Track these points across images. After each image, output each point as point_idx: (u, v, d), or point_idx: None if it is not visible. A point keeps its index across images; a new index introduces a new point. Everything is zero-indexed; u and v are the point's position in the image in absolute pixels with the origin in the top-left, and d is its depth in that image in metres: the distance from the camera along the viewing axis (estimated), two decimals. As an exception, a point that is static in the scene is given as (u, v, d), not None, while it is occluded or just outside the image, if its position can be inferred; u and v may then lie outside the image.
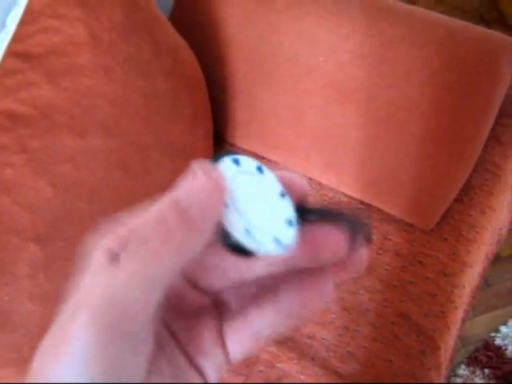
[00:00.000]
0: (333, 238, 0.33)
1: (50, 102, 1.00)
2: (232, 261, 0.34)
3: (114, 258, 0.31)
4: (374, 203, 1.23)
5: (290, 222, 0.32)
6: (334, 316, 1.17)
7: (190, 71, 1.21)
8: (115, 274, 0.30)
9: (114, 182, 1.07)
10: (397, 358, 1.13)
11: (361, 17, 1.12)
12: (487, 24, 2.10)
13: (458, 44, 1.07)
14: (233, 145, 1.36)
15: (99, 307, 0.29)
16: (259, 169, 0.33)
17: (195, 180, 0.30)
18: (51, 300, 0.98)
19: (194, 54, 1.24)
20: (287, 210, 0.32)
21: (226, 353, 0.35)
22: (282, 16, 1.17)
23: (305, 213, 0.33)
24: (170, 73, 1.16)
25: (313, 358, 1.13)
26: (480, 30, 1.10)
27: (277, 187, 0.33)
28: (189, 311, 0.36)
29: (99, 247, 0.32)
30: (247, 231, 0.31)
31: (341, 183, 1.24)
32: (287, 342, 1.15)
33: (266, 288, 0.36)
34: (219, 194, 0.31)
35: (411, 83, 1.09)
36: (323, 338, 1.15)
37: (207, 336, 0.35)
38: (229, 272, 0.36)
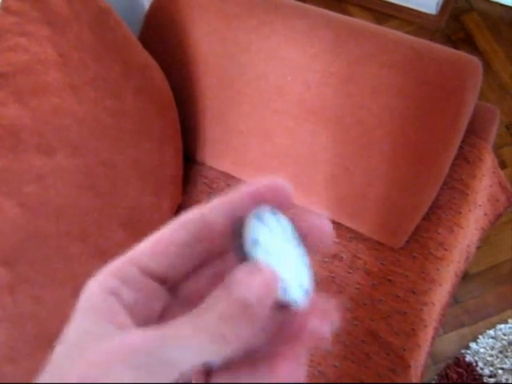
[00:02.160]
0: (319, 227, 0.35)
1: (17, 121, 0.99)
2: None
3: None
4: (344, 222, 1.23)
5: (307, 267, 0.34)
6: (304, 335, 1.16)
7: (160, 90, 1.21)
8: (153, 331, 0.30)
9: (81, 201, 1.06)
10: (368, 377, 1.13)
11: (329, 36, 1.12)
12: (454, 44, 2.13)
13: (424, 64, 1.09)
14: (202, 164, 1.36)
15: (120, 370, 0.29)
16: (274, 214, 0.34)
17: (256, 276, 0.30)
18: (17, 322, 0.97)
19: (164, 72, 1.24)
20: (303, 254, 0.34)
21: None
22: (252, 35, 1.18)
23: None
24: (139, 92, 1.15)
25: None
26: (446, 50, 1.12)
27: (290, 230, 0.34)
28: None
29: (94, 287, 0.32)
30: (282, 287, 0.32)
31: (310, 202, 1.24)
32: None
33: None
34: (275, 286, 0.31)
35: (379, 102, 1.10)
36: (294, 358, 1.14)
37: None
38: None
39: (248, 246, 0.32)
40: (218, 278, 0.36)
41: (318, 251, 0.36)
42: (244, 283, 0.30)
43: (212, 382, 0.34)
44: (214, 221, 0.35)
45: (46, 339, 0.98)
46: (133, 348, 0.29)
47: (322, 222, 0.35)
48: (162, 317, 0.35)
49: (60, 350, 0.31)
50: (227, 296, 0.30)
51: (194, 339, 0.30)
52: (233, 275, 0.31)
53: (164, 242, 0.35)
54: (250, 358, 0.34)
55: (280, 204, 0.35)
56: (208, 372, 0.35)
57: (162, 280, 0.35)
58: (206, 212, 0.35)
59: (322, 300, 0.35)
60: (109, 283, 0.33)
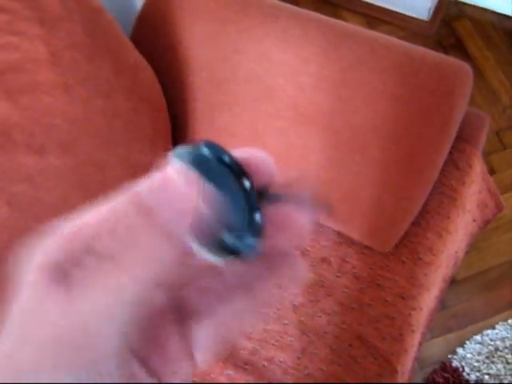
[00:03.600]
0: (295, 222, 0.31)
1: (7, 120, 0.98)
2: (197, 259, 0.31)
3: (62, 277, 0.26)
4: (333, 226, 1.23)
5: (256, 214, 0.31)
6: (292, 339, 1.16)
7: (151, 91, 1.21)
8: (69, 303, 0.25)
9: (72, 201, 1.05)
10: (355, 381, 1.13)
11: (321, 40, 1.13)
12: (445, 50, 2.14)
13: (416, 69, 1.09)
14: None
15: (50, 350, 0.25)
16: (220, 158, 0.31)
17: (160, 174, 0.26)
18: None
19: (155, 73, 1.23)
20: (252, 200, 0.31)
21: (192, 361, 0.31)
22: (244, 37, 1.18)
23: (268, 197, 0.32)
24: (130, 92, 1.15)
25: (270, 382, 1.12)
26: (438, 55, 1.12)
27: (239, 173, 0.31)
28: (147, 318, 0.31)
29: (40, 265, 0.27)
30: (221, 230, 0.29)
31: (300, 205, 1.24)
32: (244, 366, 1.14)
33: (233, 283, 0.32)
34: (191, 190, 0.27)
35: (370, 107, 1.11)
36: (281, 361, 1.15)
37: (172, 347, 0.31)
38: (192, 270, 0.32)
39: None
40: None
41: (262, 185, 0.32)
42: (145, 182, 0.27)
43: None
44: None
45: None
46: None
47: (262, 156, 0.32)
48: None
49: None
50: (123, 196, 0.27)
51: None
52: None
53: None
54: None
55: (261, 178, 0.32)
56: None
57: None
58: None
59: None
60: (57, 262, 0.27)
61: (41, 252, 0.27)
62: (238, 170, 0.31)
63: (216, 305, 0.32)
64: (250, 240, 0.30)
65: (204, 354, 0.32)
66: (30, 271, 0.27)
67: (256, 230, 0.30)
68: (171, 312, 0.32)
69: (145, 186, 0.26)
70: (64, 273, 0.26)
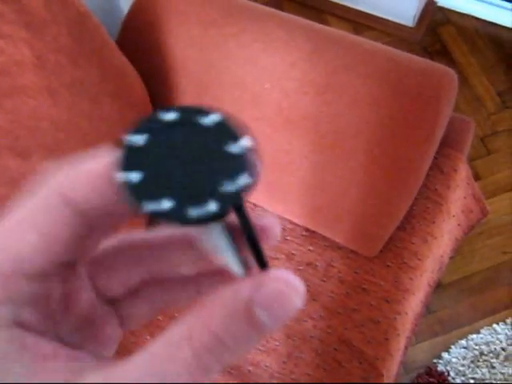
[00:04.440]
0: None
1: (-9, 123, 0.98)
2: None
3: None
4: (319, 230, 1.24)
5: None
6: (277, 343, 1.16)
7: (137, 95, 1.21)
8: None
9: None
10: (340, 385, 1.13)
11: (307, 45, 1.13)
12: (430, 56, 2.15)
13: (400, 74, 1.10)
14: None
15: None
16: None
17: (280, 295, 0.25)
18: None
19: (141, 77, 1.23)
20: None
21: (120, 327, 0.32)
22: (230, 42, 1.18)
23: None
24: (116, 96, 1.15)
25: (256, 386, 1.12)
26: (422, 61, 1.13)
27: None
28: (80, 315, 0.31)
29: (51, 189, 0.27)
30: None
31: (286, 210, 1.25)
32: (230, 370, 1.14)
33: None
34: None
35: (356, 112, 1.11)
36: (267, 366, 1.15)
37: (110, 340, 0.32)
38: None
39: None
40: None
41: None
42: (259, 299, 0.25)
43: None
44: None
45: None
46: None
47: (271, 223, 0.30)
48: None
49: None
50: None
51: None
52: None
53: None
54: None
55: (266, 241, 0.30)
56: None
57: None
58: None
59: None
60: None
61: (55, 179, 0.28)
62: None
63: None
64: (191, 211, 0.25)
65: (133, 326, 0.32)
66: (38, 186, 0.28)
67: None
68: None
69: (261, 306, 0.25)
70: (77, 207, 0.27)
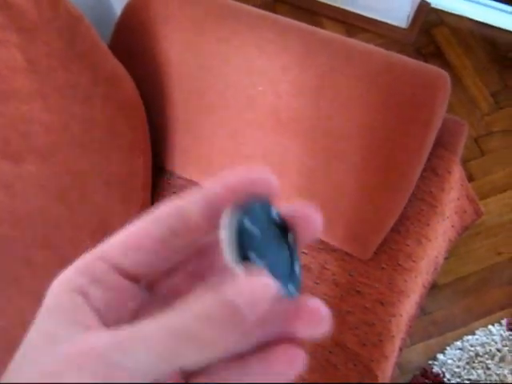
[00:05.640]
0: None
1: (-17, 128, 0.98)
2: None
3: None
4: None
5: (296, 266, 0.34)
6: (272, 346, 1.16)
7: (129, 99, 1.20)
8: (118, 332, 0.28)
9: (49, 210, 1.05)
10: (335, 388, 1.13)
11: (299, 48, 1.13)
12: (424, 58, 2.15)
13: (394, 76, 1.10)
14: (171, 173, 1.35)
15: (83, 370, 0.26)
16: (260, 206, 0.32)
17: (250, 281, 0.28)
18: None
19: (134, 81, 1.23)
20: (294, 253, 0.34)
21: None
22: (223, 45, 1.18)
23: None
24: (108, 100, 1.15)
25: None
26: (416, 63, 1.13)
27: (285, 228, 0.34)
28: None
29: (60, 286, 0.30)
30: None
31: (280, 212, 1.24)
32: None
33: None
34: (269, 294, 0.28)
35: (348, 114, 1.11)
36: (261, 369, 1.14)
37: None
38: None
39: (234, 243, 0.30)
40: (197, 276, 0.34)
41: (306, 241, 0.34)
42: (235, 286, 0.27)
43: (193, 382, 0.32)
44: (191, 214, 0.32)
45: (8, 350, 0.96)
46: (92, 353, 0.27)
47: (310, 212, 0.34)
48: (136, 317, 0.32)
49: (20, 352, 0.29)
50: (213, 297, 0.27)
51: (162, 340, 0.27)
52: (222, 277, 0.29)
53: (137, 236, 0.32)
54: (240, 355, 0.31)
55: (263, 195, 0.33)
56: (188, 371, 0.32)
57: (135, 278, 0.32)
58: (183, 204, 0.32)
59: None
60: (76, 281, 0.30)
61: (61, 277, 0.30)
62: (283, 226, 0.34)
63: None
64: (292, 289, 0.32)
65: None
66: (49, 296, 0.29)
67: (296, 281, 0.33)
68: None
69: (235, 290, 0.28)
70: (82, 290, 0.29)
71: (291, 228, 0.34)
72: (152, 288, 0.34)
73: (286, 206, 0.34)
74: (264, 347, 0.32)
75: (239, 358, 0.31)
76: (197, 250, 0.34)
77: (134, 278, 0.32)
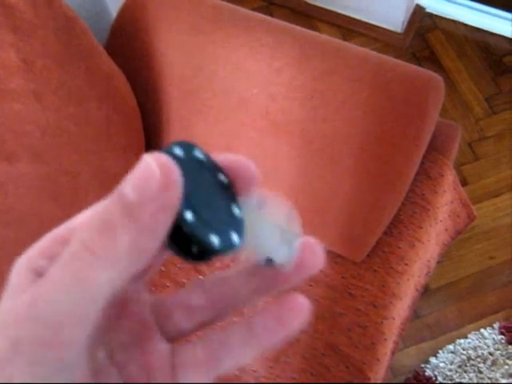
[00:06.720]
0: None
1: (-22, 127, 0.98)
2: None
3: (37, 275, 0.27)
4: (306, 235, 1.23)
5: (234, 208, 0.30)
6: (264, 347, 1.16)
7: (124, 99, 1.21)
8: (39, 286, 0.25)
9: (43, 210, 1.05)
10: (327, 390, 1.13)
11: (294, 51, 1.13)
12: (419, 62, 2.16)
13: (388, 80, 1.10)
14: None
15: (20, 329, 0.25)
16: (193, 155, 0.30)
17: (144, 169, 0.25)
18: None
19: (129, 82, 1.23)
20: (229, 194, 0.31)
21: (172, 377, 0.31)
22: (218, 47, 1.18)
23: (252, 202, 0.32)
24: (103, 100, 1.15)
25: (243, 390, 1.12)
26: (409, 66, 1.14)
27: (214, 168, 0.31)
28: (131, 328, 0.31)
29: (21, 265, 0.28)
30: (203, 231, 0.27)
31: (274, 214, 1.24)
32: (217, 374, 1.13)
33: (225, 310, 0.33)
34: (174, 186, 0.25)
35: (343, 117, 1.11)
36: (253, 370, 1.14)
37: (156, 367, 0.31)
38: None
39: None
40: None
41: (244, 191, 0.31)
42: (129, 177, 0.25)
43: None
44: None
45: None
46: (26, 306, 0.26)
47: (243, 160, 0.31)
48: None
49: None
50: (111, 195, 0.26)
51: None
52: None
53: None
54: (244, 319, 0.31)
55: (244, 184, 0.31)
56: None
57: None
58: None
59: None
60: (36, 263, 0.28)
61: (23, 256, 0.28)
62: (212, 166, 0.31)
63: (205, 331, 0.32)
64: (235, 238, 0.29)
65: (189, 376, 0.31)
66: (11, 276, 0.28)
67: (237, 225, 0.30)
68: (154, 326, 0.32)
69: (129, 182, 0.25)
70: (40, 271, 0.27)
71: (222, 168, 0.31)
72: None
73: (217, 156, 0.31)
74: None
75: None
76: None
77: None
